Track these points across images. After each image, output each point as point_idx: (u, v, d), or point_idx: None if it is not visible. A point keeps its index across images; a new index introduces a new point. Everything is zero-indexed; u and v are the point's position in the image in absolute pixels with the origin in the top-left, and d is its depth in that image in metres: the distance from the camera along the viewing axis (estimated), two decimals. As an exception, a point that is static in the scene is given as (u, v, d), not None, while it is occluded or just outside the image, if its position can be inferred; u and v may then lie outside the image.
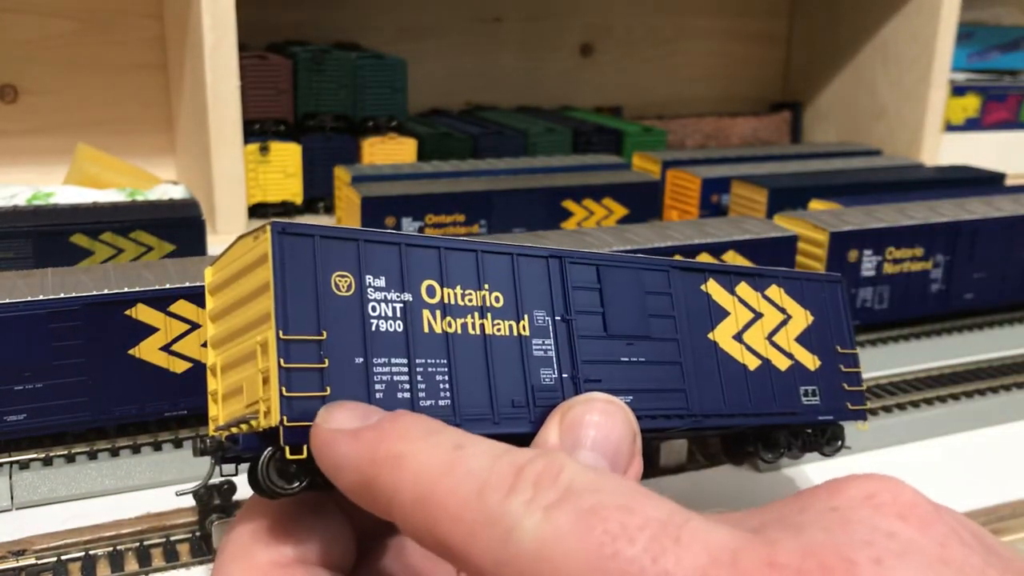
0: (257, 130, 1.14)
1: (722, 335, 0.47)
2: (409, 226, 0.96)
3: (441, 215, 0.97)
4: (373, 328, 0.36)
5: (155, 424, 0.63)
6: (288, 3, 1.36)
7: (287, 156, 1.14)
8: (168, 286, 0.60)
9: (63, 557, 0.52)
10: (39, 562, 0.51)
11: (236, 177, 1.06)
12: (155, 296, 0.60)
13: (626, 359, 0.43)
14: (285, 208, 1.15)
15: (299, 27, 1.36)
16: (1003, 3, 1.77)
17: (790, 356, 0.49)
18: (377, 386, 0.35)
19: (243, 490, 0.55)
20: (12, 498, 0.56)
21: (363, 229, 0.37)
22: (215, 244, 0.92)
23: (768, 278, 0.50)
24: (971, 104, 1.60)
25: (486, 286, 0.39)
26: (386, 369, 0.36)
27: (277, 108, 1.16)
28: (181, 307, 0.60)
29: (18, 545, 0.52)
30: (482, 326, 0.39)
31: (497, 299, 0.39)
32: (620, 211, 1.05)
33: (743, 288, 0.48)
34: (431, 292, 0.38)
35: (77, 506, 0.57)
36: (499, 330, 0.39)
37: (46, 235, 0.78)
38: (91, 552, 0.52)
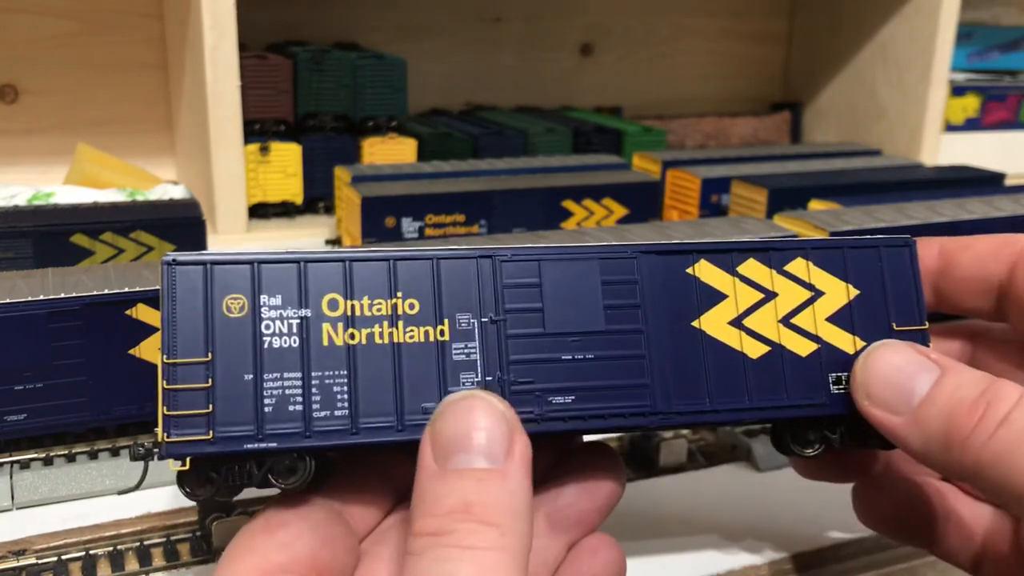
0: (257, 130, 1.14)
1: (713, 321, 0.42)
2: (409, 226, 0.96)
3: (441, 215, 0.97)
4: (266, 345, 0.38)
5: (155, 424, 0.63)
6: (288, 3, 1.36)
7: (287, 156, 1.14)
8: (168, 286, 0.60)
9: (63, 557, 0.52)
10: (39, 562, 0.51)
11: (236, 177, 1.06)
12: (155, 296, 0.60)
13: (569, 357, 0.41)
14: (285, 208, 1.16)
15: (299, 27, 1.36)
16: (1003, 3, 1.77)
17: (816, 339, 0.43)
18: (267, 400, 0.37)
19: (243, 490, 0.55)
20: (12, 498, 0.56)
21: (262, 251, 0.39)
22: (215, 244, 0.92)
23: (791, 251, 0.44)
24: (971, 104, 1.60)
25: (399, 294, 0.39)
26: (277, 384, 0.38)
27: (277, 108, 1.16)
28: (181, 307, 0.60)
29: (18, 545, 0.52)
30: (391, 335, 0.39)
31: (411, 306, 0.39)
32: (620, 211, 1.05)
33: (750, 266, 0.43)
34: (333, 306, 0.39)
35: (77, 506, 0.57)
36: (412, 337, 0.39)
37: (46, 235, 0.78)
38: (91, 552, 0.52)
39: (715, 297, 0.43)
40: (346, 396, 0.38)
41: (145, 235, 0.81)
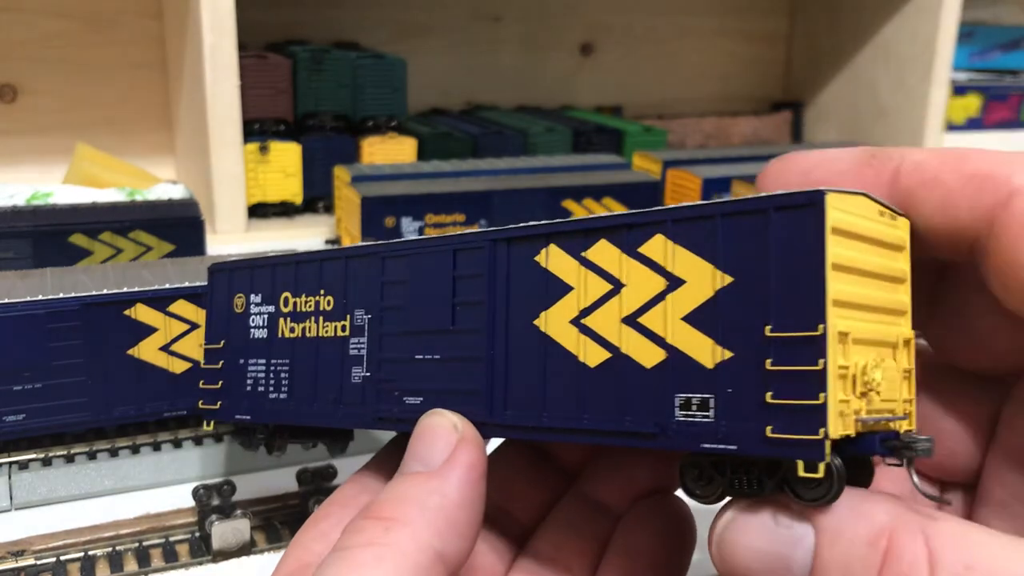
0: (257, 130, 1.14)
1: (555, 320, 0.34)
2: (409, 226, 0.96)
3: (441, 215, 0.97)
4: (251, 336, 0.46)
5: (155, 424, 0.63)
6: (288, 3, 1.36)
7: (287, 156, 1.14)
8: (167, 286, 0.60)
9: (62, 557, 0.52)
10: (38, 562, 0.51)
11: (236, 177, 1.06)
12: (154, 296, 0.60)
13: (420, 356, 0.38)
14: (285, 208, 1.15)
15: (299, 27, 1.36)
16: (1004, 2, 1.77)
17: (664, 345, 0.31)
18: (248, 381, 0.46)
19: (243, 489, 0.55)
20: (11, 498, 0.56)
21: (258, 257, 0.47)
22: (214, 244, 0.92)
23: (648, 227, 0.33)
24: (972, 104, 1.60)
25: (322, 291, 0.43)
26: (254, 368, 0.46)
27: (277, 108, 1.16)
28: (180, 307, 0.60)
29: (17, 545, 0.52)
30: (316, 329, 0.43)
31: (329, 302, 0.43)
32: (621, 211, 1.05)
33: (600, 249, 0.34)
34: (286, 302, 0.45)
35: (76, 506, 0.57)
36: (327, 332, 0.43)
37: (45, 235, 0.78)
38: (90, 552, 0.52)
39: (561, 290, 0.34)
40: (287, 382, 0.44)
41: (144, 235, 0.81)
